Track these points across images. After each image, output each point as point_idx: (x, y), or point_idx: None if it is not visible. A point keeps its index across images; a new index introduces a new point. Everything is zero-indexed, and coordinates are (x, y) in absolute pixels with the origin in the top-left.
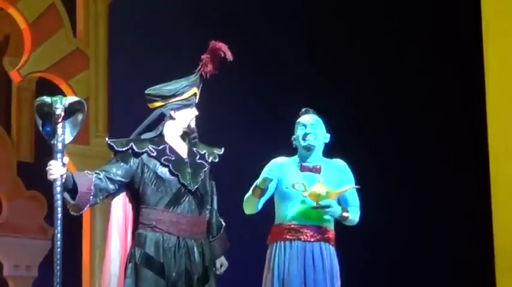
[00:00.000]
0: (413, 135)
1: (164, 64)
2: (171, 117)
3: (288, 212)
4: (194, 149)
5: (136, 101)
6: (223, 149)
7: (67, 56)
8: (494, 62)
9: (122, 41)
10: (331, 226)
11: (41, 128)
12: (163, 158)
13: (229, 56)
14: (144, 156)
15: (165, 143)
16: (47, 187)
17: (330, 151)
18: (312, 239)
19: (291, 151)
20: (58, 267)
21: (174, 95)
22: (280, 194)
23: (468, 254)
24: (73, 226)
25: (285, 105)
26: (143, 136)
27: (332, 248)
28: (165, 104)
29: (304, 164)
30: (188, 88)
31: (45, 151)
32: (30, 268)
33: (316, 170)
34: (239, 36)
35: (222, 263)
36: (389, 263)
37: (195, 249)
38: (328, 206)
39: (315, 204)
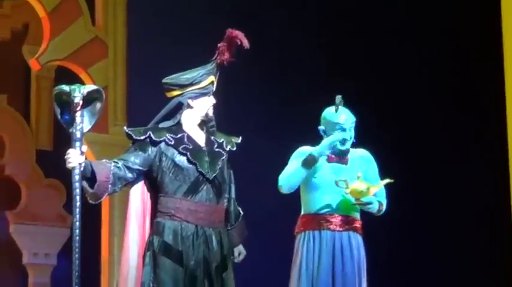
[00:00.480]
0: (436, 126)
1: (183, 53)
2: (189, 106)
3: (316, 201)
4: (212, 137)
5: (155, 90)
6: (241, 138)
7: (86, 45)
8: None
9: (140, 29)
10: (358, 216)
11: (59, 117)
12: (181, 147)
13: (246, 43)
14: (162, 145)
15: (183, 131)
16: (66, 175)
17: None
18: (341, 229)
19: (309, 140)
20: (77, 255)
21: (191, 84)
22: (308, 184)
23: (492, 247)
24: (92, 214)
25: (301, 93)
26: (161, 125)
27: (360, 238)
28: (183, 93)
29: (330, 156)
30: (205, 77)
31: (64, 139)
32: (49, 255)
33: (344, 161)
34: (256, 24)
35: (240, 251)
36: (412, 253)
37: (213, 237)
38: (370, 203)
39: (354, 201)
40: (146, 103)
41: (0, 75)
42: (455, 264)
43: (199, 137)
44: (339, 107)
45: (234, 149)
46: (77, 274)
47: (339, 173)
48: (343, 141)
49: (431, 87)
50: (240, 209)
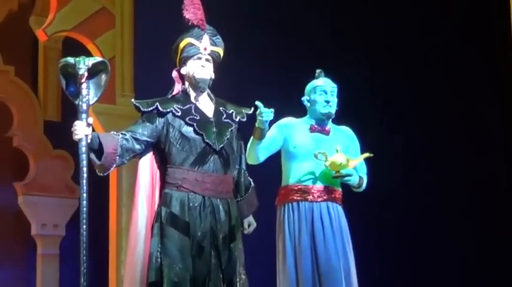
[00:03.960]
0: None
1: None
2: (182, 75)
3: (295, 172)
4: (221, 108)
5: (162, 61)
6: (253, 109)
7: (93, 16)
8: None
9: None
10: (338, 186)
11: (65, 89)
12: (188, 118)
13: None
14: (169, 115)
15: (191, 102)
16: (74, 146)
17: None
18: (319, 199)
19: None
20: (84, 227)
21: (175, 52)
22: (287, 154)
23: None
24: (100, 185)
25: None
26: (170, 96)
27: (339, 207)
28: (177, 62)
29: (313, 125)
30: (180, 40)
31: (72, 110)
32: (58, 226)
33: (325, 131)
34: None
35: (250, 222)
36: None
37: (221, 208)
38: (349, 175)
39: (334, 173)
40: (153, 74)
41: (8, 46)
42: (445, 238)
43: (208, 108)
44: (319, 76)
45: (244, 119)
46: (84, 245)
47: (320, 143)
48: (324, 103)
49: (438, 83)
50: (251, 180)
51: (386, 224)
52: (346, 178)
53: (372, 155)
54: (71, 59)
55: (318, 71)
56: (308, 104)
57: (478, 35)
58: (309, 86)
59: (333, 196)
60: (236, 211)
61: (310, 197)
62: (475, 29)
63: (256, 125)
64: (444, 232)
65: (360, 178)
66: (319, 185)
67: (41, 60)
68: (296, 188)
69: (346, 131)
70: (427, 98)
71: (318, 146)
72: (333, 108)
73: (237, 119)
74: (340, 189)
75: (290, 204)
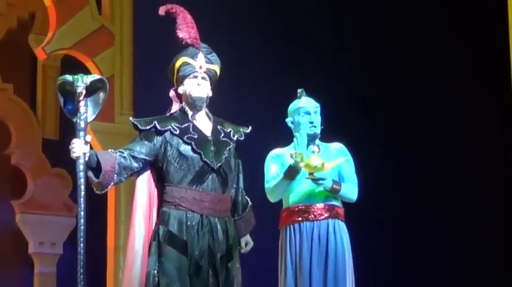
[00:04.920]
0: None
1: None
2: (180, 93)
3: (294, 194)
4: (219, 127)
5: (162, 79)
6: (250, 128)
7: (92, 34)
8: None
9: (147, 18)
10: (338, 203)
11: (63, 107)
12: (186, 136)
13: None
14: (167, 134)
15: (189, 121)
16: (72, 164)
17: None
18: (321, 218)
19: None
20: (82, 245)
21: (172, 71)
22: None
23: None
24: (97, 203)
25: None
26: (168, 114)
27: (342, 223)
28: (174, 81)
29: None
30: (175, 59)
31: (70, 128)
32: (55, 245)
33: (315, 149)
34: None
35: (247, 241)
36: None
37: (219, 227)
38: (322, 179)
39: (308, 175)
40: (152, 92)
41: (7, 64)
42: (447, 251)
43: (206, 127)
44: (301, 95)
45: (242, 138)
46: (81, 263)
47: (308, 153)
48: (311, 125)
49: (434, 87)
50: (248, 199)
51: (384, 229)
52: (320, 181)
53: (346, 158)
54: (69, 77)
55: (299, 90)
56: (292, 126)
57: (476, 41)
58: (291, 107)
59: (334, 212)
60: (234, 230)
61: (311, 217)
62: (473, 34)
63: (293, 163)
64: (443, 235)
65: (336, 183)
66: (320, 204)
67: (39, 78)
68: (297, 209)
69: (337, 147)
70: (423, 99)
71: (306, 157)
72: (317, 129)
73: (235, 138)
74: (340, 205)
75: (292, 225)
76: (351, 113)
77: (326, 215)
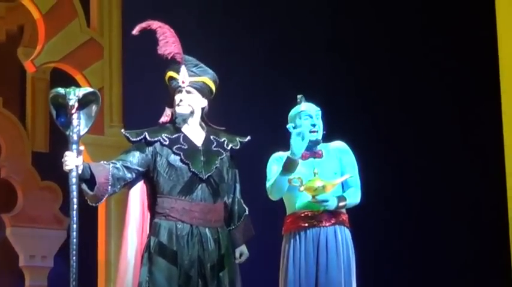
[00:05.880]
0: (429, 115)
1: None
2: (170, 106)
3: (297, 200)
4: (212, 137)
5: (151, 91)
6: (248, 137)
7: (81, 46)
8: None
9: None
10: (343, 209)
11: (55, 119)
12: (175, 147)
13: (148, 26)
14: (157, 145)
15: (181, 132)
16: (62, 177)
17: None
18: (327, 224)
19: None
20: (74, 258)
21: (166, 84)
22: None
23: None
24: (88, 216)
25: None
26: (161, 122)
27: (347, 231)
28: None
29: (304, 152)
30: (165, 73)
31: (60, 141)
32: (46, 258)
33: (318, 155)
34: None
35: (241, 252)
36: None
37: (209, 236)
38: (325, 201)
39: (311, 198)
40: (142, 104)
41: None
42: (447, 257)
43: (197, 137)
44: (302, 101)
45: (238, 147)
46: (74, 276)
47: (317, 167)
48: (311, 130)
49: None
50: (246, 208)
51: (385, 230)
52: (323, 204)
53: (351, 176)
54: (61, 90)
55: (299, 96)
56: (294, 130)
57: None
58: (292, 113)
59: (340, 219)
60: (227, 239)
61: (316, 223)
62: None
63: (290, 154)
64: (443, 235)
65: (342, 199)
66: (325, 211)
67: (29, 91)
68: (303, 215)
69: (338, 146)
70: (421, 107)
71: (306, 179)
72: (319, 134)
73: (229, 147)
74: (345, 212)
75: (297, 232)
76: (351, 114)
77: (332, 221)
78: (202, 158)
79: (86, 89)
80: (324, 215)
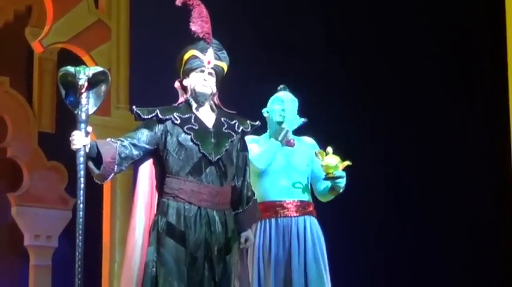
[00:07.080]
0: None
1: (186, 35)
2: (184, 87)
3: (271, 188)
4: (223, 119)
5: (158, 73)
6: (258, 122)
7: (89, 27)
8: None
9: (143, 12)
10: (310, 199)
11: (64, 98)
12: (186, 127)
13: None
14: (169, 123)
15: (192, 112)
16: (68, 157)
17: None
18: (297, 214)
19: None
20: (80, 237)
21: (180, 62)
22: (258, 172)
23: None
24: (93, 196)
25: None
26: (174, 105)
27: (315, 220)
28: (180, 73)
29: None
30: (184, 51)
31: (66, 121)
32: (51, 238)
33: (291, 144)
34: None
35: (247, 237)
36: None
37: (217, 219)
38: (341, 177)
39: (325, 175)
40: (149, 86)
41: (3, 57)
42: (448, 257)
43: (208, 119)
44: (281, 90)
45: (248, 129)
46: (80, 256)
47: (289, 156)
48: (280, 112)
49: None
50: (254, 192)
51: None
52: (338, 180)
53: (350, 163)
54: (71, 68)
55: (280, 86)
56: (267, 115)
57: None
58: (270, 100)
59: (309, 209)
60: (233, 223)
61: (289, 213)
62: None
63: (283, 125)
64: (443, 235)
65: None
66: (296, 200)
67: (36, 71)
68: (274, 204)
69: (309, 141)
70: (421, 107)
71: (288, 160)
72: (287, 119)
73: (240, 130)
74: (312, 202)
75: (268, 220)
76: (347, 117)
77: (302, 211)
78: (212, 140)
79: (96, 69)
80: (294, 206)
